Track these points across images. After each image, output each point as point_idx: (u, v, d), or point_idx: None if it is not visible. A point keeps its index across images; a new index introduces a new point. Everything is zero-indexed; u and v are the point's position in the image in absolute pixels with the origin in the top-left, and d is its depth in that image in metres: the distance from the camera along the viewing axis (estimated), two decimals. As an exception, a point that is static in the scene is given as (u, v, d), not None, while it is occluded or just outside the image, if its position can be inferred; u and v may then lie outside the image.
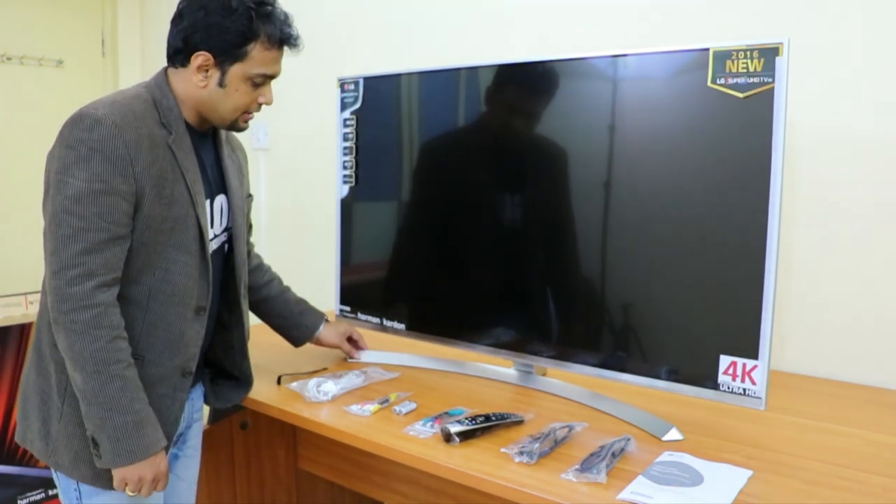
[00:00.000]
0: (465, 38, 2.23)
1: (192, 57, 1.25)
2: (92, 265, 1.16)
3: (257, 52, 1.26)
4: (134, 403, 1.19)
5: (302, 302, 1.72)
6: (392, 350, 1.79)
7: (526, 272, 1.54)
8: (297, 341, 1.71)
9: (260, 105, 1.33)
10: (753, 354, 1.22)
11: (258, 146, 2.87)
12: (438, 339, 1.67)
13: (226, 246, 1.42)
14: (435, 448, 1.25)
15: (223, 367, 1.50)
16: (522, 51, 2.07)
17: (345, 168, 1.81)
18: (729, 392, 1.25)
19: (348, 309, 1.84)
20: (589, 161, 1.41)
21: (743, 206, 1.21)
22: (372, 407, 1.41)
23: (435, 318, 1.70)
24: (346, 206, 1.83)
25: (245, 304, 1.48)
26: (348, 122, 1.79)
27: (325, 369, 1.66)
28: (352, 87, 1.78)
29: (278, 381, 1.58)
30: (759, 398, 1.22)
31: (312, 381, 1.50)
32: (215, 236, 1.37)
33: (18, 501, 1.94)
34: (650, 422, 1.33)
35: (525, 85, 1.52)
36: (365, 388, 1.54)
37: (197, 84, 1.27)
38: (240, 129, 1.37)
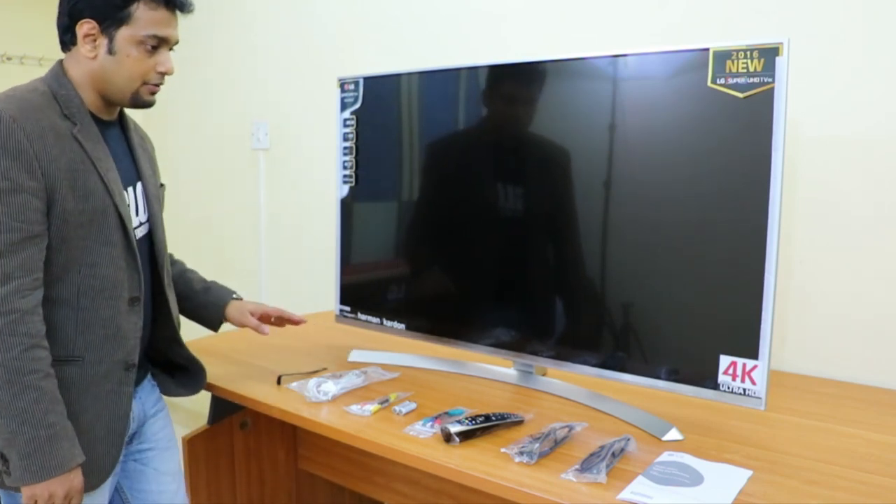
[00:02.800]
0: (466, 38, 2.23)
1: (77, 27, 1.21)
2: (6, 268, 1.11)
3: (142, 12, 1.22)
4: (48, 416, 1.13)
5: (206, 281, 1.62)
6: (392, 350, 1.79)
7: (526, 272, 1.54)
8: (209, 323, 1.60)
9: (162, 75, 1.28)
10: (753, 354, 1.22)
11: (258, 146, 2.88)
12: (438, 339, 1.67)
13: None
14: (435, 448, 1.25)
15: (168, 358, 1.47)
16: (523, 51, 2.07)
17: (345, 168, 1.81)
18: (729, 392, 1.25)
19: (348, 309, 1.84)
20: (589, 161, 1.41)
21: (743, 205, 1.21)
22: (372, 407, 1.41)
23: (435, 318, 1.70)
24: (346, 206, 1.83)
25: (171, 292, 1.44)
26: (348, 122, 1.79)
27: (324, 369, 1.66)
28: (352, 87, 1.78)
29: (278, 381, 1.58)
30: (759, 398, 1.22)
31: (312, 381, 1.50)
32: (140, 224, 1.34)
33: None
34: (650, 422, 1.33)
35: (526, 84, 1.52)
36: (365, 388, 1.54)
37: (87, 55, 1.22)
38: (146, 104, 1.30)
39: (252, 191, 2.94)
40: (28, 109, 1.16)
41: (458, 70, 1.60)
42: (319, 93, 2.61)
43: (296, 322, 1.65)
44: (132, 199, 1.32)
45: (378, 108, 1.74)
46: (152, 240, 1.38)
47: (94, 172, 1.21)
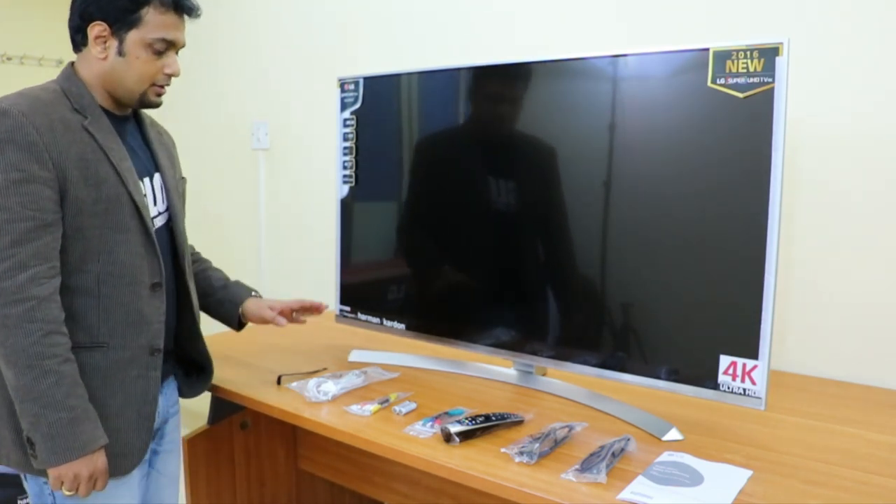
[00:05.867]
0: (466, 38, 2.23)
1: (89, 29, 1.25)
2: (22, 256, 1.14)
3: (151, 16, 1.26)
4: (69, 400, 1.16)
5: (227, 279, 1.64)
6: (392, 350, 1.79)
7: (526, 272, 1.54)
8: (227, 320, 1.61)
9: (169, 77, 1.32)
10: (753, 354, 1.22)
11: (258, 146, 2.88)
12: (438, 339, 1.67)
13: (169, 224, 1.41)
14: (435, 448, 1.25)
15: (188, 354, 1.48)
16: (523, 50, 2.07)
17: (345, 168, 1.81)
18: (729, 392, 1.25)
19: (348, 309, 1.84)
20: (589, 160, 1.41)
21: (743, 205, 1.21)
22: (372, 407, 1.41)
23: (435, 318, 1.70)
24: (346, 206, 1.83)
25: (192, 283, 1.46)
26: (348, 122, 1.79)
27: (324, 369, 1.66)
28: (352, 87, 1.78)
29: (278, 381, 1.58)
30: (759, 398, 1.22)
31: (312, 381, 1.50)
32: (159, 213, 1.37)
33: (18, 501, 1.95)
34: (650, 422, 1.33)
35: (525, 84, 1.52)
36: (365, 388, 1.54)
37: (97, 57, 1.27)
38: (153, 105, 1.34)
39: (252, 191, 2.94)
40: (37, 105, 1.19)
41: (458, 70, 1.60)
42: (319, 93, 2.61)
43: (318, 308, 1.65)
44: (149, 190, 1.34)
45: (378, 108, 1.74)
46: (172, 230, 1.40)
47: (106, 161, 1.24)
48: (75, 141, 1.21)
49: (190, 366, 1.51)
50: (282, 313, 1.59)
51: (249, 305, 1.59)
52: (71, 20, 1.29)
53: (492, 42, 2.16)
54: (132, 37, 1.26)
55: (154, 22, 1.26)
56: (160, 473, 1.46)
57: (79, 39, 1.28)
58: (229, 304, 1.58)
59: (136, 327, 1.28)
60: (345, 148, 1.81)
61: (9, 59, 3.13)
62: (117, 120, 1.32)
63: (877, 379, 1.59)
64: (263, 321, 1.58)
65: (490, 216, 1.58)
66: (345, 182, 1.82)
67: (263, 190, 2.90)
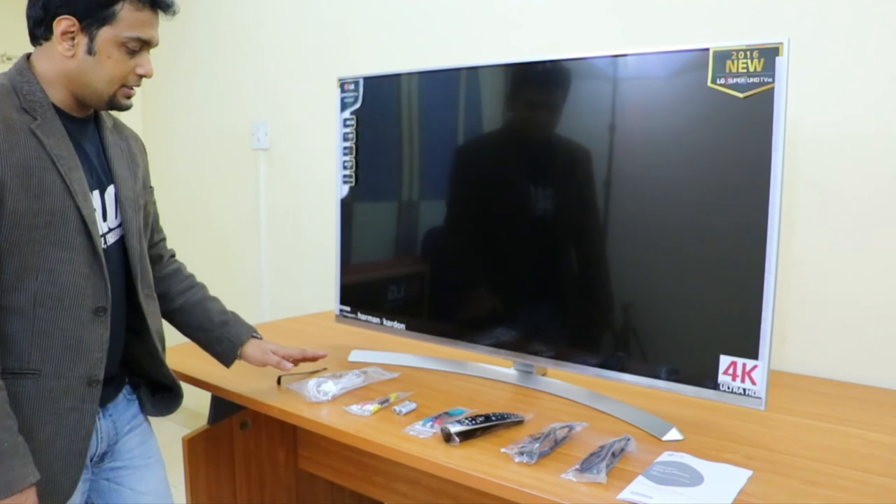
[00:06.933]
0: (466, 38, 2.23)
1: (55, 23, 1.13)
2: None
3: (126, 12, 1.15)
4: None
5: (227, 313, 1.52)
6: (392, 350, 1.79)
7: (526, 272, 1.54)
8: (222, 358, 1.50)
9: (140, 77, 1.22)
10: (753, 354, 1.22)
11: (258, 146, 2.88)
12: (438, 339, 1.67)
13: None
14: (435, 448, 1.25)
15: (150, 376, 1.40)
16: (523, 51, 2.07)
17: (345, 168, 1.81)
18: (729, 392, 1.25)
19: (348, 309, 1.84)
20: (589, 161, 1.41)
21: (743, 205, 1.21)
22: (372, 407, 1.41)
23: (435, 318, 1.70)
24: (346, 206, 1.83)
25: (149, 304, 1.34)
26: (348, 122, 1.79)
27: (325, 369, 1.66)
28: (352, 87, 1.78)
29: (278, 382, 1.57)
30: (759, 398, 1.22)
31: (312, 381, 1.50)
32: (110, 230, 1.25)
33: None
34: (650, 422, 1.33)
35: (524, 84, 1.52)
36: (365, 388, 1.54)
37: (63, 54, 1.15)
38: (122, 108, 1.23)
39: (252, 191, 2.94)
40: None
41: (458, 70, 1.60)
42: (319, 93, 2.61)
43: (318, 358, 1.56)
44: (99, 203, 1.23)
45: (378, 108, 1.74)
46: (125, 247, 1.28)
47: (53, 170, 1.13)
48: (18, 144, 1.09)
49: (156, 385, 1.42)
50: (284, 357, 1.49)
51: (250, 349, 1.49)
52: (31, 9, 1.16)
53: (492, 42, 2.16)
54: (104, 34, 1.14)
55: (129, 19, 1.15)
56: (137, 492, 1.37)
57: (40, 33, 1.16)
58: (228, 342, 1.49)
59: (74, 354, 1.16)
60: (345, 148, 1.81)
61: (9, 59, 3.12)
62: (74, 122, 1.21)
63: (877, 379, 1.59)
64: (264, 365, 1.49)
65: (490, 217, 1.58)
66: (345, 182, 1.82)
67: (263, 190, 2.90)
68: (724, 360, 1.25)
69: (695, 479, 1.11)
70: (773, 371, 1.25)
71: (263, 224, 2.92)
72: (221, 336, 1.48)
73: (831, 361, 1.65)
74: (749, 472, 1.14)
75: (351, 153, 1.80)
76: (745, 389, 1.23)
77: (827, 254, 1.65)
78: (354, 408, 1.41)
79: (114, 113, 1.32)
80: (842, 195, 1.62)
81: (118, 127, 1.36)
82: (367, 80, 1.75)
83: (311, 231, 2.72)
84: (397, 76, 1.70)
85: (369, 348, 1.81)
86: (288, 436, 1.93)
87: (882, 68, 1.55)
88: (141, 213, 1.33)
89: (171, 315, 1.49)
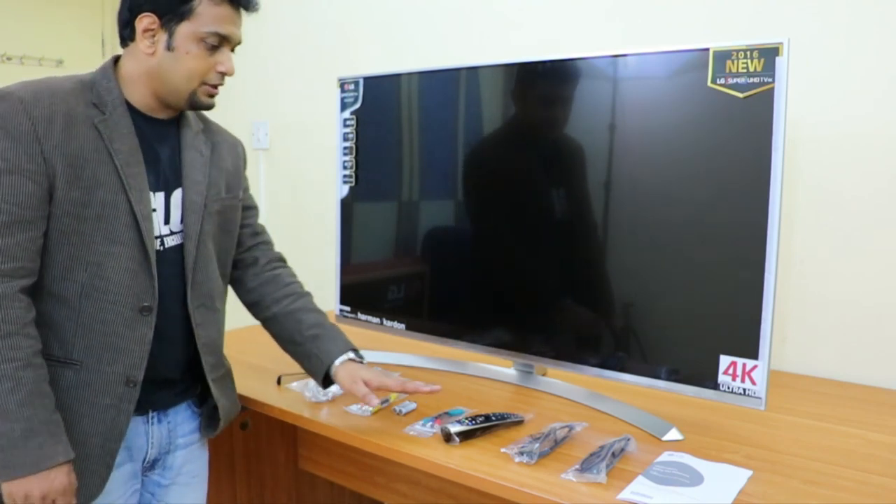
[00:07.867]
0: (466, 38, 2.23)
1: (136, 21, 1.16)
2: None
3: (204, 7, 1.17)
4: (24, 409, 1.04)
5: (322, 326, 1.41)
6: (392, 350, 1.79)
7: (526, 272, 1.54)
8: (314, 377, 1.40)
9: (222, 75, 1.23)
10: (753, 354, 1.22)
11: (258, 146, 2.88)
12: (438, 339, 1.67)
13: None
14: (435, 448, 1.25)
15: (210, 388, 1.34)
16: (523, 51, 2.07)
17: (345, 168, 1.81)
18: (729, 392, 1.25)
19: (348, 309, 1.84)
20: (589, 161, 1.41)
21: (743, 206, 1.21)
22: (372, 407, 1.40)
23: (435, 318, 1.70)
24: (346, 206, 1.83)
25: (200, 314, 1.28)
26: (348, 122, 1.79)
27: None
28: (352, 87, 1.78)
29: (278, 382, 1.57)
30: (759, 398, 1.22)
31: (312, 381, 1.50)
32: (172, 233, 1.25)
33: None
34: (650, 422, 1.33)
35: (524, 84, 1.52)
36: (365, 388, 1.53)
37: (145, 51, 1.17)
38: (203, 107, 1.24)
39: (252, 191, 2.93)
40: (44, 93, 1.11)
41: (458, 70, 1.60)
42: (319, 93, 2.60)
43: (429, 392, 1.33)
44: (162, 204, 1.22)
45: (378, 108, 1.74)
46: (183, 253, 1.26)
47: (110, 163, 1.14)
48: (76, 136, 1.11)
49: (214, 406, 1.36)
50: (378, 389, 1.32)
51: (342, 372, 1.35)
52: (120, 14, 1.19)
53: (492, 42, 2.16)
54: (183, 30, 1.16)
55: (207, 14, 1.17)
56: None
57: (126, 34, 1.19)
58: (316, 359, 1.37)
59: (114, 351, 1.16)
60: (345, 148, 1.81)
61: (9, 59, 3.13)
62: (151, 123, 1.22)
63: (877, 379, 1.59)
64: (351, 392, 1.34)
65: (489, 218, 1.58)
66: (345, 182, 1.82)
67: (263, 190, 2.90)
68: (724, 360, 1.25)
69: (695, 479, 1.11)
70: (773, 371, 1.25)
71: (264, 224, 2.91)
72: (310, 351, 1.39)
73: (831, 361, 1.65)
74: (749, 472, 1.14)
75: (351, 153, 1.80)
76: (745, 389, 1.23)
77: (827, 254, 1.65)
78: (354, 408, 1.41)
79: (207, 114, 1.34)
80: (842, 195, 1.62)
81: (211, 131, 1.36)
82: (367, 80, 1.75)
83: (311, 231, 2.72)
84: (397, 76, 1.70)
85: (369, 348, 1.81)
86: (288, 436, 1.93)
87: (882, 68, 1.55)
88: (212, 220, 1.30)
89: (265, 325, 1.46)
